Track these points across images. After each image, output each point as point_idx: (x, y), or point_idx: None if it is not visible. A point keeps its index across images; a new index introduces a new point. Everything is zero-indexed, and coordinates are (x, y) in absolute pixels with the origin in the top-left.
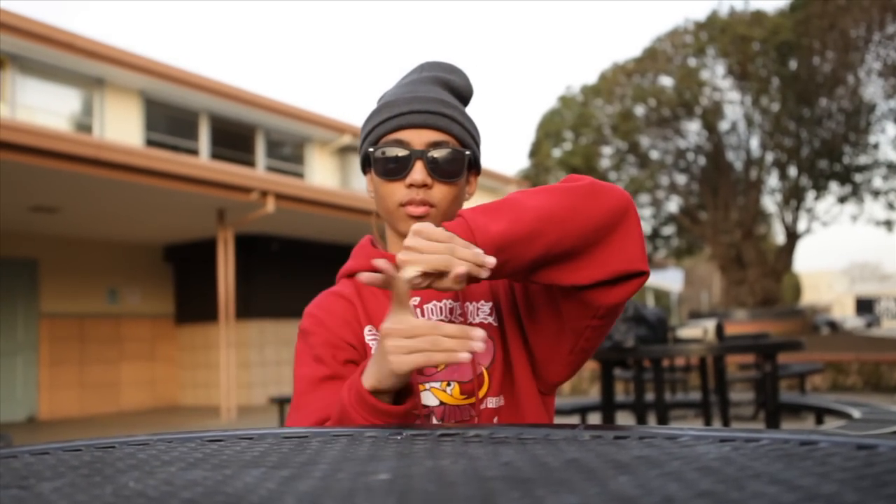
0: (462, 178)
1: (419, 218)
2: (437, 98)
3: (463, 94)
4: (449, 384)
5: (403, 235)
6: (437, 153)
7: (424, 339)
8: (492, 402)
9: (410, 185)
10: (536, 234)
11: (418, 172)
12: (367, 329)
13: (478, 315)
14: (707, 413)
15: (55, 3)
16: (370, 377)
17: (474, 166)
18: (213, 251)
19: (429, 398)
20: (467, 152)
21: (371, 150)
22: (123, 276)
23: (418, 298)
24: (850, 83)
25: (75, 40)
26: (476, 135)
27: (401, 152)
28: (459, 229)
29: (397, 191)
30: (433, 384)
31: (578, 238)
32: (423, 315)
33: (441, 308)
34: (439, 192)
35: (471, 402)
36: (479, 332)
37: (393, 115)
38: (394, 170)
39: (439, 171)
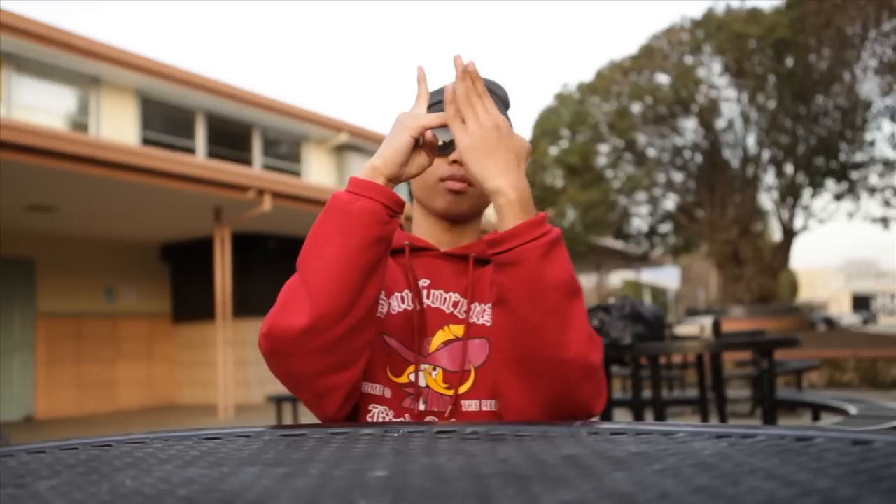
0: None
1: (457, 193)
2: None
3: (503, 102)
4: (435, 369)
5: (437, 212)
6: None
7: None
8: (473, 405)
9: (454, 162)
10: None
11: None
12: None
13: (483, 316)
14: (704, 410)
15: (52, 3)
16: (374, 158)
17: None
18: (209, 250)
19: (422, 379)
20: None
21: None
22: (120, 275)
23: (428, 281)
24: (846, 80)
25: (71, 39)
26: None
27: (446, 136)
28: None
29: (440, 166)
30: (425, 365)
31: (532, 347)
32: (428, 297)
33: (446, 298)
34: None
35: (450, 393)
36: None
37: (436, 101)
38: (441, 146)
39: None
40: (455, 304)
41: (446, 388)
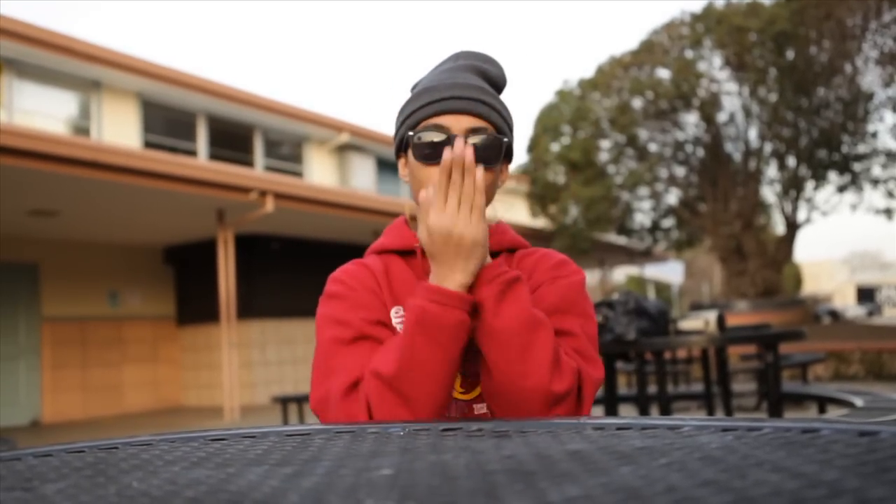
0: (499, 164)
1: None
2: (477, 85)
3: (497, 83)
4: None
5: None
6: (475, 139)
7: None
8: (483, 408)
9: None
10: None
11: None
12: (393, 311)
13: None
14: (710, 404)
15: (52, 7)
16: (457, 274)
17: (508, 155)
18: (213, 252)
19: None
20: (504, 139)
21: (410, 133)
22: (124, 279)
23: None
24: (847, 72)
25: (72, 44)
26: (511, 124)
27: (439, 137)
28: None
29: (433, 175)
30: None
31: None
32: None
33: None
34: None
35: (466, 398)
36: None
37: (433, 100)
38: (431, 154)
39: (477, 157)
40: None
41: (462, 393)
